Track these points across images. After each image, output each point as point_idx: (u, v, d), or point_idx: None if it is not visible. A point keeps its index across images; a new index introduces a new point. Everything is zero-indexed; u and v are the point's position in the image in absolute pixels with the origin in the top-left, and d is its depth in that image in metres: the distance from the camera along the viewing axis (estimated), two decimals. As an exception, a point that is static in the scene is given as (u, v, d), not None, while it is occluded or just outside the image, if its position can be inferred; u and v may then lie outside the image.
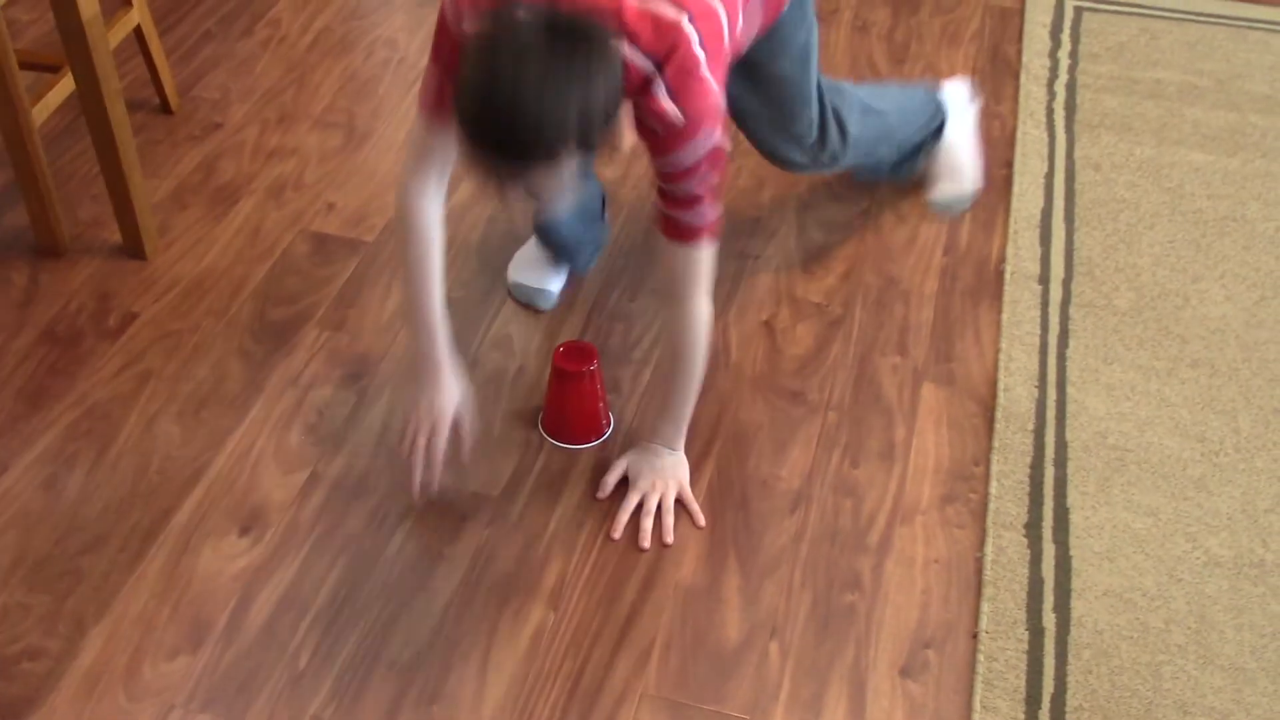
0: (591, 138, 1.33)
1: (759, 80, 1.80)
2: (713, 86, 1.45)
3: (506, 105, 1.26)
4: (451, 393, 1.69)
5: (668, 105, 1.41)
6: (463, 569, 1.65)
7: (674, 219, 1.55)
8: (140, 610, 1.59)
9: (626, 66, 1.37)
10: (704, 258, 1.58)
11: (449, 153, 1.57)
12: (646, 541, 1.68)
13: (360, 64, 2.58)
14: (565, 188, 1.38)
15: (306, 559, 1.66)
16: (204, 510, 1.71)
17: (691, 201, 1.52)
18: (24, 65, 2.07)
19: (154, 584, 1.62)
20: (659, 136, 1.45)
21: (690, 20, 1.41)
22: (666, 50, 1.40)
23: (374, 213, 2.20)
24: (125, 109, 2.00)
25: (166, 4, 2.74)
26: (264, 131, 2.39)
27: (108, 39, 1.95)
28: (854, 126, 1.96)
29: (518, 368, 1.92)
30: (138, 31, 2.30)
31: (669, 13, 1.40)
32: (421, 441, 1.68)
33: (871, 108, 2.01)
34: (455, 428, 1.70)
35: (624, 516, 1.70)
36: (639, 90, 1.41)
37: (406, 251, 1.65)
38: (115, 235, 2.12)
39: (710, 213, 1.55)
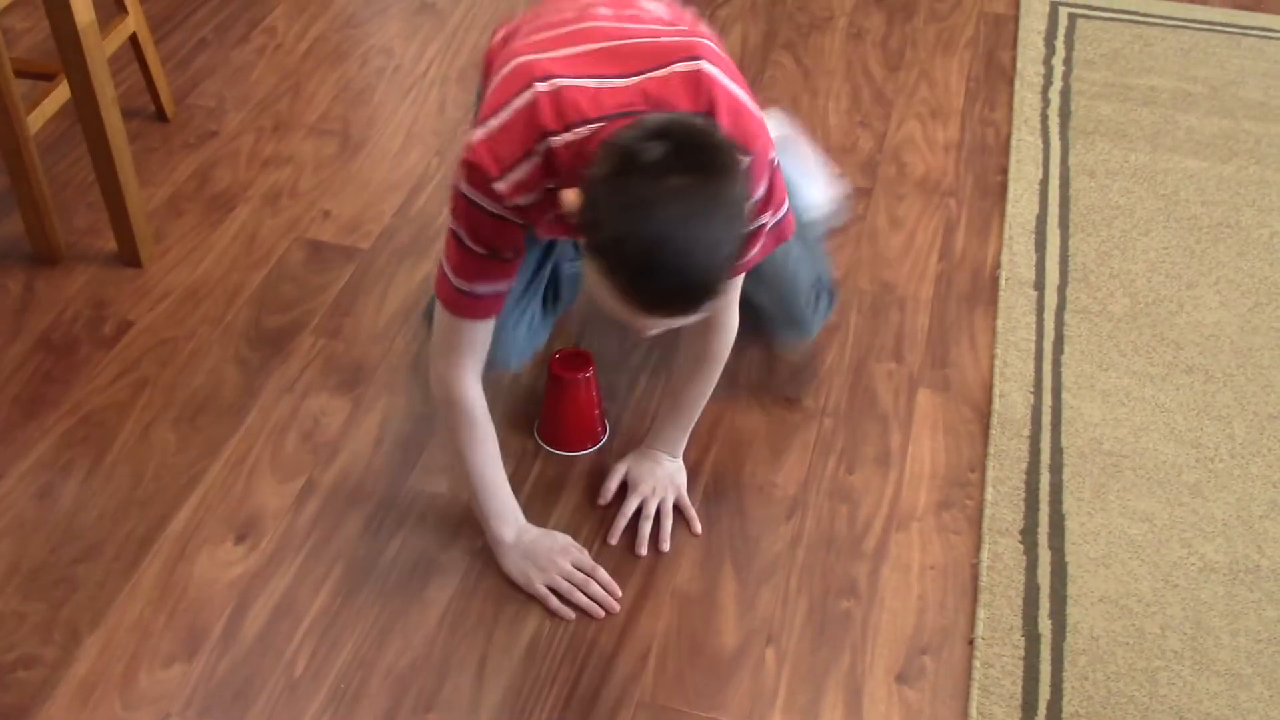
0: (744, 252, 1.33)
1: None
2: (753, 109, 1.41)
3: (678, 266, 1.21)
4: (558, 540, 1.64)
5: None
6: (459, 576, 1.65)
7: None
8: (136, 618, 1.59)
9: (666, 88, 1.35)
10: (739, 283, 1.58)
11: (488, 338, 1.53)
12: (644, 548, 1.68)
13: (355, 72, 2.59)
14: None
15: (302, 566, 1.65)
16: (199, 518, 1.71)
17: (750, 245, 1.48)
18: (19, 73, 2.07)
19: (149, 592, 1.62)
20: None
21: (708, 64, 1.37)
22: (708, 104, 1.36)
23: (369, 220, 2.20)
24: (121, 117, 2.00)
25: (162, 11, 2.75)
26: (259, 139, 2.40)
27: (103, 47, 1.95)
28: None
29: (513, 375, 1.92)
30: (133, 39, 2.30)
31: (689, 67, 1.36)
32: (577, 581, 1.61)
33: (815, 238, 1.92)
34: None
35: (622, 522, 1.70)
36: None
37: (470, 440, 1.58)
38: (111, 243, 2.12)
39: (761, 252, 1.51)
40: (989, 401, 1.90)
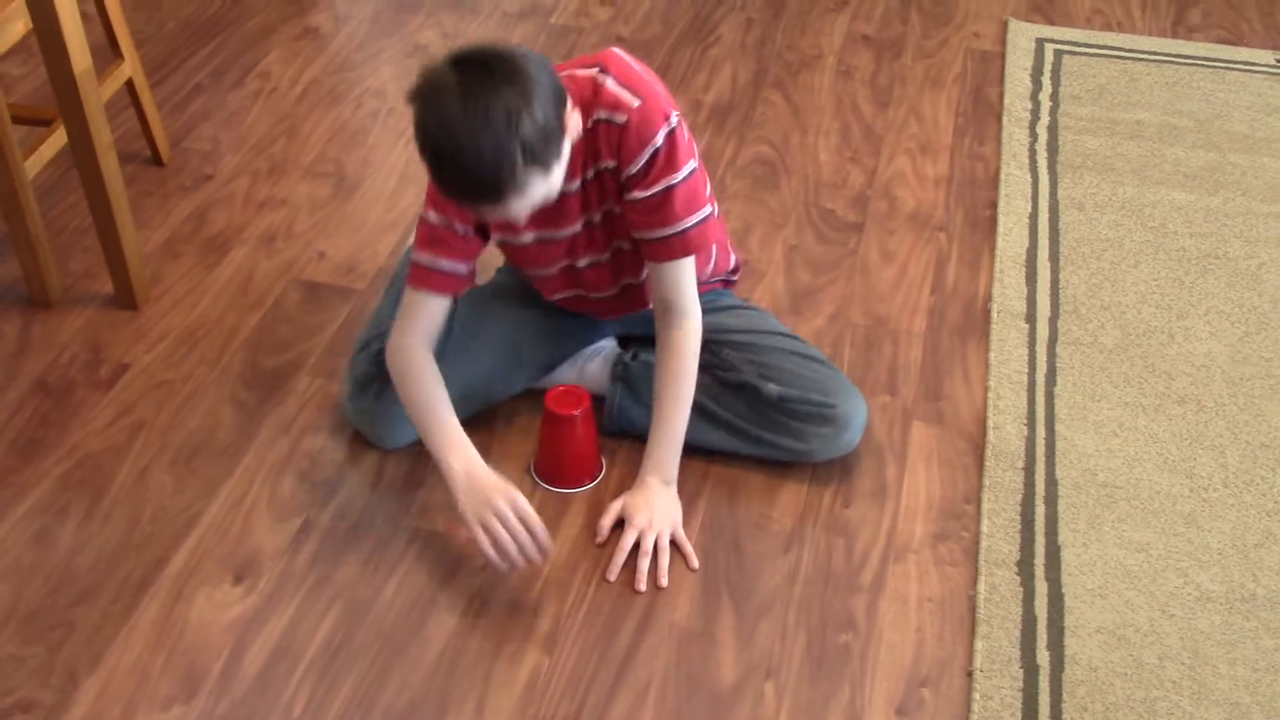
0: (544, 153, 1.45)
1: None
2: (655, 83, 1.60)
3: (454, 160, 1.43)
4: (505, 482, 1.64)
5: (620, 91, 1.57)
6: (457, 614, 1.65)
7: (655, 240, 1.65)
8: (134, 661, 1.59)
9: (573, 80, 1.57)
10: (691, 265, 1.69)
11: (439, 317, 1.71)
12: (643, 584, 1.68)
13: (349, 115, 2.61)
14: (544, 197, 1.51)
15: (300, 607, 1.65)
16: (197, 559, 1.71)
17: (662, 207, 1.62)
18: (16, 119, 2.09)
19: (147, 634, 1.62)
20: (620, 136, 1.57)
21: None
22: (600, 66, 1.59)
23: (364, 261, 2.22)
24: (117, 161, 2.01)
25: (158, 57, 2.77)
26: (255, 182, 2.41)
27: (100, 92, 1.97)
28: None
29: (509, 413, 1.93)
30: (129, 84, 2.32)
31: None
32: (511, 523, 1.61)
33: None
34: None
35: (620, 558, 1.70)
36: (590, 96, 1.57)
37: (414, 392, 1.69)
38: (107, 286, 2.13)
39: (686, 216, 1.64)
40: (983, 434, 1.90)
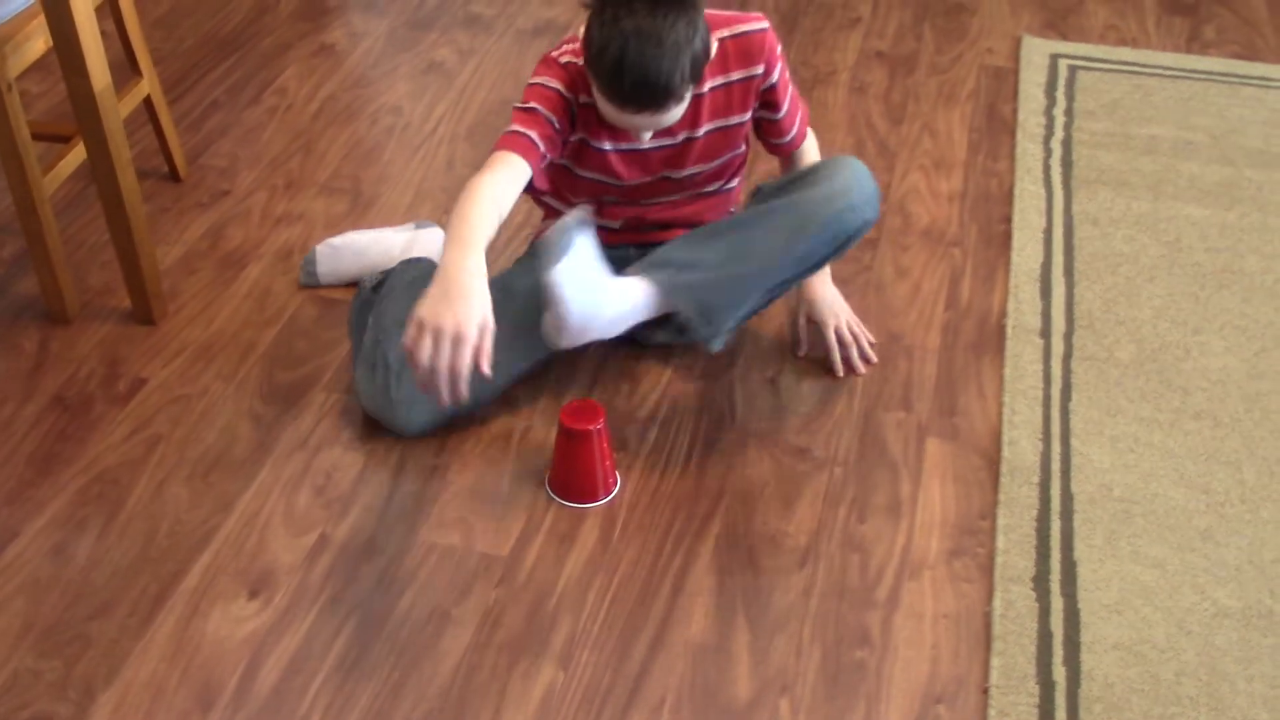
0: (699, 72, 1.68)
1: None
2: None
3: (636, 64, 1.62)
4: (482, 309, 1.54)
5: (736, 14, 1.83)
6: (471, 629, 1.65)
7: (787, 140, 1.97)
8: (150, 675, 1.59)
9: None
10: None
11: (523, 177, 1.75)
12: (859, 367, 2.01)
13: (365, 131, 2.62)
14: (680, 113, 1.73)
15: (315, 621, 1.66)
16: (213, 574, 1.72)
17: (792, 106, 1.93)
18: (36, 136, 2.11)
19: (163, 648, 1.62)
20: (762, 42, 1.82)
21: None
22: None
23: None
24: (135, 178, 2.03)
25: (175, 74, 2.79)
26: (271, 198, 2.43)
27: (119, 109, 1.99)
28: None
29: (525, 427, 1.93)
30: (147, 101, 2.34)
31: None
32: (443, 353, 1.51)
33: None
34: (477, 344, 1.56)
35: (837, 353, 2.00)
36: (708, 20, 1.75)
37: (471, 194, 1.64)
38: (124, 301, 2.15)
39: (800, 107, 1.96)
40: (998, 449, 1.90)
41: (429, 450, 1.88)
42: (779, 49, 1.86)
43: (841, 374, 2.00)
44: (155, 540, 1.76)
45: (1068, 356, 2.05)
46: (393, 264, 2.11)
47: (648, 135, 1.76)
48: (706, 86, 1.82)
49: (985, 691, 1.58)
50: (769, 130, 1.96)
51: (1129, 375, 2.02)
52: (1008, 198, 2.43)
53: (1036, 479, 1.85)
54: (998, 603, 1.68)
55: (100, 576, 1.71)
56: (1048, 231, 2.33)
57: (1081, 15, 3.06)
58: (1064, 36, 2.96)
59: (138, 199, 2.04)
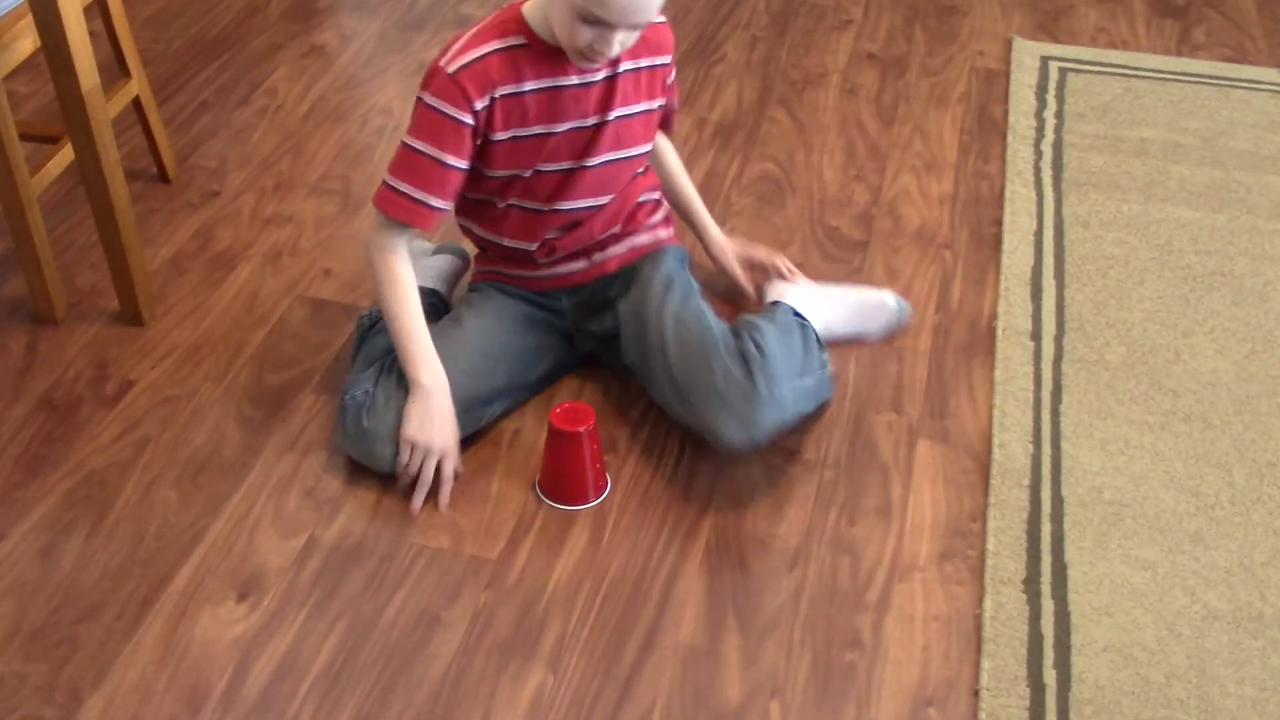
0: None
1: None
2: None
3: None
4: (455, 425, 1.81)
5: None
6: (461, 632, 1.64)
7: (670, 122, 2.02)
8: (137, 678, 1.58)
9: None
10: None
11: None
12: (787, 272, 2.11)
13: (355, 132, 2.62)
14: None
15: (304, 624, 1.65)
16: (201, 576, 1.71)
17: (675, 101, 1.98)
18: (24, 136, 2.10)
19: (151, 651, 1.62)
20: (665, 34, 1.86)
21: None
22: None
23: (369, 278, 2.22)
24: (124, 178, 2.02)
25: (165, 74, 2.78)
26: (261, 199, 2.42)
27: (107, 110, 1.98)
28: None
29: (514, 430, 1.93)
30: (136, 102, 2.33)
31: None
32: (430, 466, 1.78)
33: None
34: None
35: (792, 275, 2.10)
36: None
37: (392, 294, 1.80)
38: (113, 303, 2.14)
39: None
40: (989, 451, 1.90)
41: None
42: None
43: (771, 298, 2.02)
44: (143, 542, 1.75)
45: (1058, 359, 2.06)
46: None
47: (617, 47, 1.69)
48: (621, 67, 1.81)
49: (976, 694, 1.58)
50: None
51: (1119, 378, 2.03)
52: (998, 200, 2.43)
53: (1027, 481, 1.85)
54: (988, 605, 1.68)
55: (88, 579, 1.70)
56: (1038, 234, 2.33)
57: (1072, 18, 3.06)
58: (1055, 39, 2.96)
59: (126, 200, 2.03)
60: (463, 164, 1.76)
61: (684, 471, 1.87)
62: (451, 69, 1.72)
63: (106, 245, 2.04)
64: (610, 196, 1.91)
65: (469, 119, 1.73)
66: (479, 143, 1.77)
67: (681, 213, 2.14)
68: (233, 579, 1.70)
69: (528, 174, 1.84)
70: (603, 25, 1.65)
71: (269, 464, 1.87)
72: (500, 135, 1.77)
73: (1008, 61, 2.87)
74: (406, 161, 1.77)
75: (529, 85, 1.75)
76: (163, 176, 2.45)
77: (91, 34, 1.92)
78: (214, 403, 1.97)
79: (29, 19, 1.96)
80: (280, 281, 2.21)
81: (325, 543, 1.76)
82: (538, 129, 1.79)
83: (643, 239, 1.98)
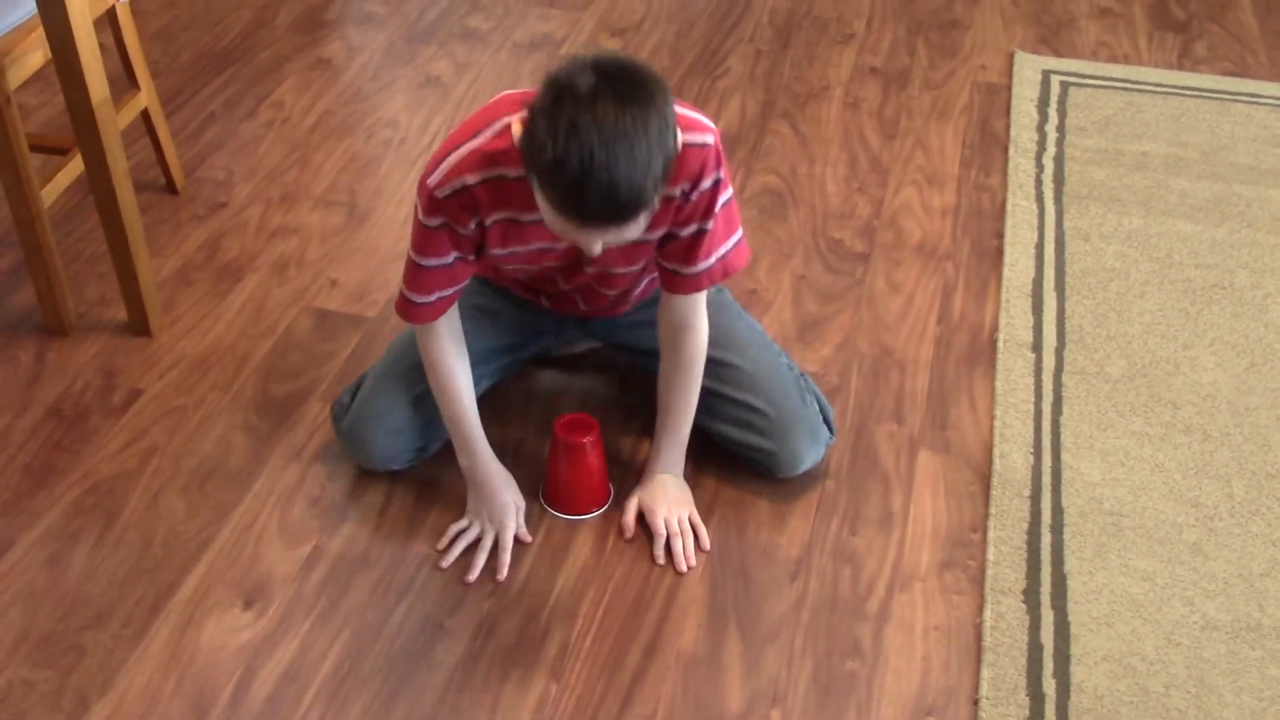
0: (670, 170, 1.44)
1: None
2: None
3: (607, 182, 1.36)
4: (511, 500, 1.80)
5: (690, 114, 1.58)
6: (465, 640, 1.66)
7: (680, 275, 1.69)
8: (144, 685, 1.60)
9: None
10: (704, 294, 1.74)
11: (455, 321, 1.75)
12: (691, 561, 1.76)
13: (362, 144, 2.64)
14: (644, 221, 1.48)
15: (310, 632, 1.66)
16: (208, 584, 1.72)
17: (696, 246, 1.65)
18: (34, 148, 2.12)
19: (158, 659, 1.63)
20: (705, 158, 1.59)
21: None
22: None
23: (375, 289, 2.24)
24: (133, 190, 2.04)
25: (173, 87, 2.80)
26: (267, 210, 2.44)
27: (116, 122, 2.00)
28: None
29: (519, 440, 1.94)
30: (145, 114, 2.35)
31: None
32: (489, 540, 1.77)
33: None
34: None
35: (660, 541, 1.77)
36: None
37: (432, 382, 1.76)
38: (121, 313, 2.16)
39: (710, 256, 1.68)
40: (989, 462, 1.91)
41: (422, 462, 1.89)
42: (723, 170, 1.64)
43: (662, 562, 1.76)
44: (150, 551, 1.77)
45: (1059, 371, 2.07)
46: None
47: (598, 249, 1.48)
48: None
49: (976, 703, 1.59)
50: (672, 252, 1.69)
51: (1119, 389, 2.04)
52: (1000, 213, 2.45)
53: (1027, 492, 1.86)
54: (988, 615, 1.69)
55: (95, 587, 1.72)
56: (1039, 246, 2.34)
57: (1074, 32, 3.08)
58: (1056, 53, 2.98)
59: (135, 211, 2.05)
60: (449, 259, 1.65)
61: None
62: (440, 194, 1.58)
63: (115, 256, 2.06)
64: (614, 291, 1.82)
65: (460, 230, 1.62)
66: (478, 245, 1.67)
67: (658, 411, 1.84)
68: (239, 587, 1.72)
69: (529, 269, 1.76)
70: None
71: (275, 473, 1.88)
72: (498, 250, 1.67)
73: (1009, 75, 2.89)
74: (407, 276, 1.70)
75: (527, 217, 1.60)
76: (171, 188, 2.47)
77: (101, 46, 1.95)
78: (220, 412, 1.99)
79: (40, 32, 1.98)
80: (286, 292, 2.23)
81: (330, 551, 1.77)
82: (536, 245, 1.67)
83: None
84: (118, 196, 1.99)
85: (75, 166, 2.12)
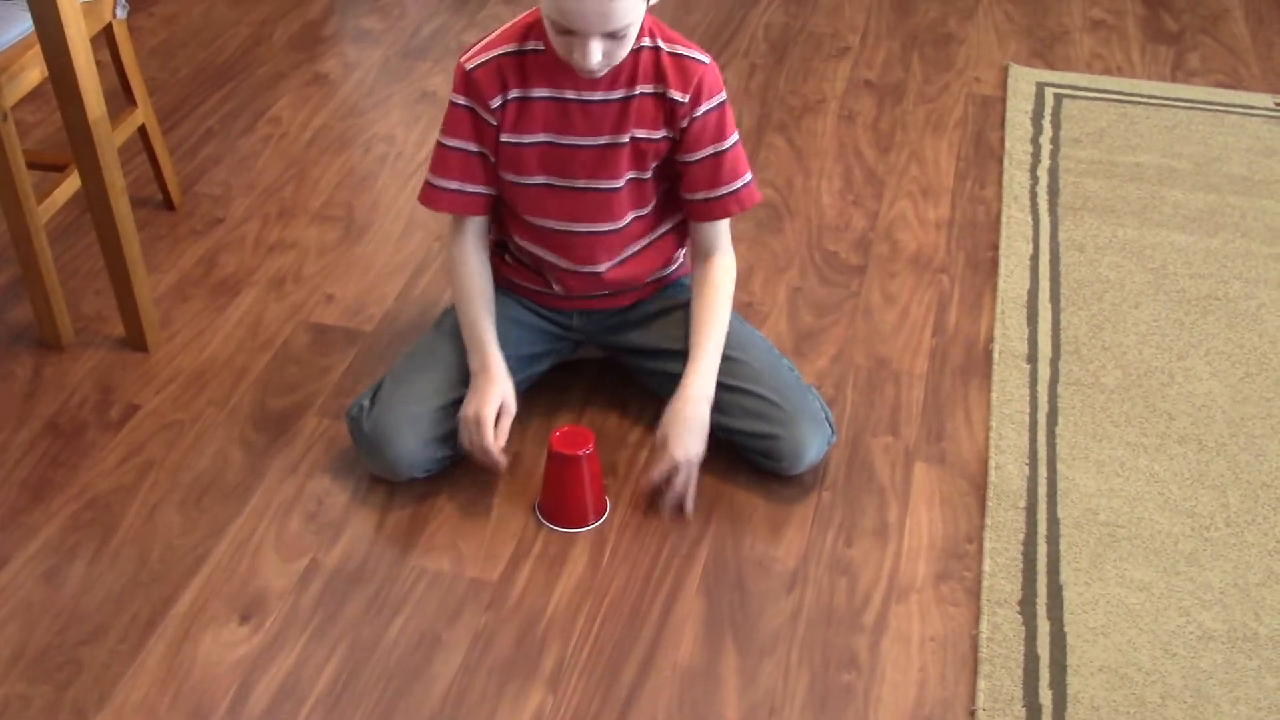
0: None
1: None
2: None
3: None
4: (498, 395, 1.83)
5: (690, 44, 1.81)
6: (461, 653, 1.66)
7: (707, 200, 1.86)
8: (141, 700, 1.60)
9: None
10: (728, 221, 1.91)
11: (482, 222, 1.90)
12: (690, 507, 1.83)
13: (359, 159, 2.64)
14: (626, 27, 1.66)
15: (306, 646, 1.66)
16: (204, 599, 1.72)
17: (718, 169, 1.84)
18: (31, 165, 2.12)
19: (154, 673, 1.63)
20: (702, 76, 1.79)
21: None
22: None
23: (372, 303, 2.24)
24: (130, 206, 2.04)
25: (170, 103, 2.81)
26: (264, 226, 2.44)
27: (113, 138, 2.01)
28: None
29: (515, 452, 1.95)
30: (142, 130, 2.36)
31: None
32: (482, 435, 1.80)
33: None
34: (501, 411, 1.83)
35: (656, 479, 1.82)
36: (660, 31, 1.79)
37: (451, 281, 1.90)
38: (118, 328, 2.16)
39: (734, 179, 1.86)
40: (985, 474, 1.92)
41: (419, 476, 1.89)
42: (723, 96, 1.84)
43: (667, 516, 1.84)
44: (147, 565, 1.77)
45: (1054, 382, 2.07)
46: None
47: (597, 55, 1.66)
48: (637, 89, 1.78)
49: (972, 714, 1.59)
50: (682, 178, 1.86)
51: (1115, 400, 2.04)
52: (995, 225, 2.45)
53: (1023, 503, 1.86)
54: (984, 626, 1.69)
55: (92, 602, 1.72)
56: (1034, 258, 2.35)
57: (1068, 44, 3.09)
58: (1050, 65, 2.99)
59: (132, 227, 2.05)
60: (471, 147, 1.82)
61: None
62: (470, 66, 1.79)
63: (112, 272, 2.06)
64: (614, 225, 1.89)
65: (483, 112, 1.79)
66: (496, 128, 1.81)
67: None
68: (235, 601, 1.72)
69: (532, 181, 1.85)
70: (573, 34, 1.66)
71: (271, 488, 1.89)
72: (508, 138, 1.81)
73: (1004, 88, 2.90)
74: (434, 155, 1.86)
75: (537, 93, 1.78)
76: (168, 204, 2.48)
77: (98, 63, 1.95)
78: (217, 427, 1.99)
79: (37, 49, 1.99)
80: (283, 307, 2.24)
81: (327, 565, 1.77)
82: (544, 137, 1.81)
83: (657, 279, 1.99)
84: (115, 212, 2.00)
85: (72, 183, 2.13)
